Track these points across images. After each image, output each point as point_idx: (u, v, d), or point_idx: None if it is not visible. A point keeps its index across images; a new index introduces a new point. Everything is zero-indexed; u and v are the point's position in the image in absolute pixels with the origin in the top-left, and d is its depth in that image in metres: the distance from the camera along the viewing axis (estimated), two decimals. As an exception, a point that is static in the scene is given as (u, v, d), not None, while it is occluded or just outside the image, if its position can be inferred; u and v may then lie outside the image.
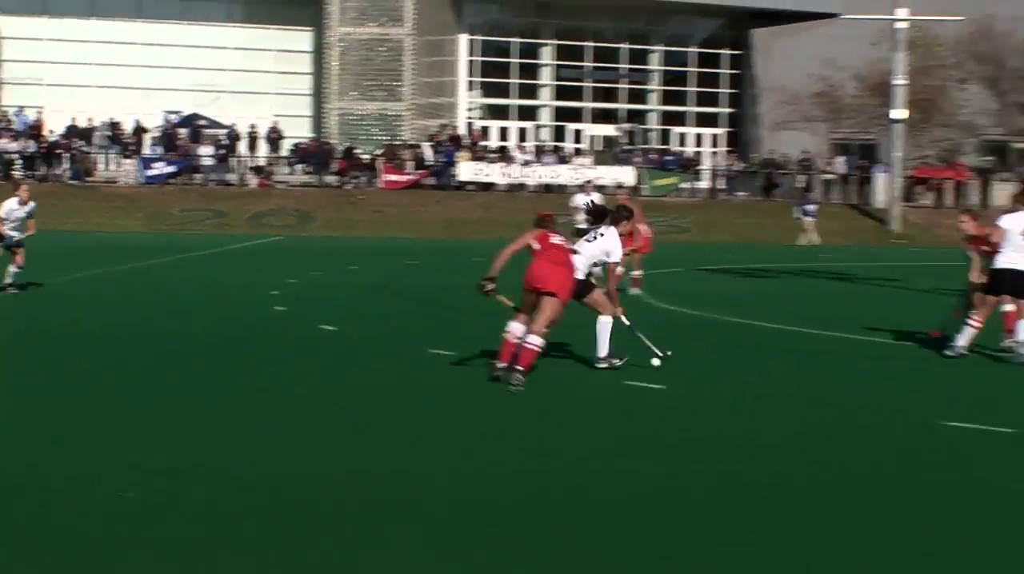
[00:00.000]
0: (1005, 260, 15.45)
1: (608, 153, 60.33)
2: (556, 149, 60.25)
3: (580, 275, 14.29)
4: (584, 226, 28.24)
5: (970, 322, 15.65)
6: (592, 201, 27.45)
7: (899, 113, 49.60)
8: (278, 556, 7.34)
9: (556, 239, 13.77)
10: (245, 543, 7.58)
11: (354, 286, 25.39)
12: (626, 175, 53.49)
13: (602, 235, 14.65)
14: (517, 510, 8.43)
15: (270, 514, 8.17)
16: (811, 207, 48.46)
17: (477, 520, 8.16)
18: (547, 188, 53.50)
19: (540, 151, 58.58)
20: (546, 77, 68.25)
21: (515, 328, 13.55)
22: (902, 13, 48.85)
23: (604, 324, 14.36)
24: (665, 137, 68.65)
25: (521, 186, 53.95)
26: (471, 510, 8.41)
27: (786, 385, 13.97)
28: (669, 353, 14.65)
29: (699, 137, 69.61)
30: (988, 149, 64.62)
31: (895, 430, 11.42)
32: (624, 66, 69.20)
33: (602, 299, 14.48)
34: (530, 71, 68.05)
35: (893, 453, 10.47)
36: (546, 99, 68.20)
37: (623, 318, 14.67)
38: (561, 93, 68.13)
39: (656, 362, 14.52)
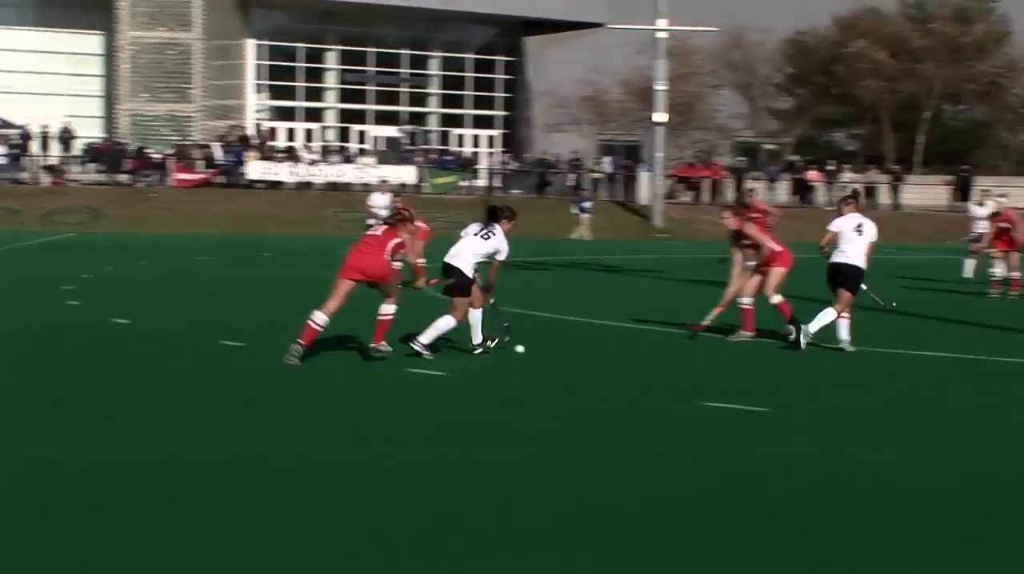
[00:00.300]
0: (840, 255, 15.71)
1: (391, 153, 60.16)
2: (341, 149, 59.89)
3: (470, 272, 14.44)
4: (374, 223, 28.15)
5: (840, 317, 15.73)
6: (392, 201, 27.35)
7: (660, 116, 50.37)
8: (68, 542, 7.06)
9: (372, 231, 14.16)
10: (28, 532, 7.27)
11: (146, 281, 24.78)
12: (408, 174, 53.44)
13: (493, 234, 14.65)
14: (332, 496, 8.27)
15: (56, 502, 7.87)
16: (587, 204, 48.93)
17: (295, 506, 7.98)
18: (333, 186, 53.13)
19: (326, 151, 58.22)
20: (331, 81, 67.85)
21: (318, 317, 13.48)
22: (662, 24, 49.65)
23: (446, 324, 14.30)
24: (444, 138, 68.81)
25: (308, 184, 53.50)
26: (289, 496, 8.22)
27: (563, 372, 14.03)
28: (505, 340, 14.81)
29: (476, 138, 69.92)
30: (741, 150, 66.26)
31: (663, 412, 11.55)
32: (405, 71, 69.16)
33: (463, 307, 14.40)
34: (316, 75, 67.60)
35: (664, 434, 10.58)
36: (331, 102, 67.81)
37: (490, 299, 14.83)
38: (345, 96, 67.79)
39: (520, 348, 14.69)
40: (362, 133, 66.71)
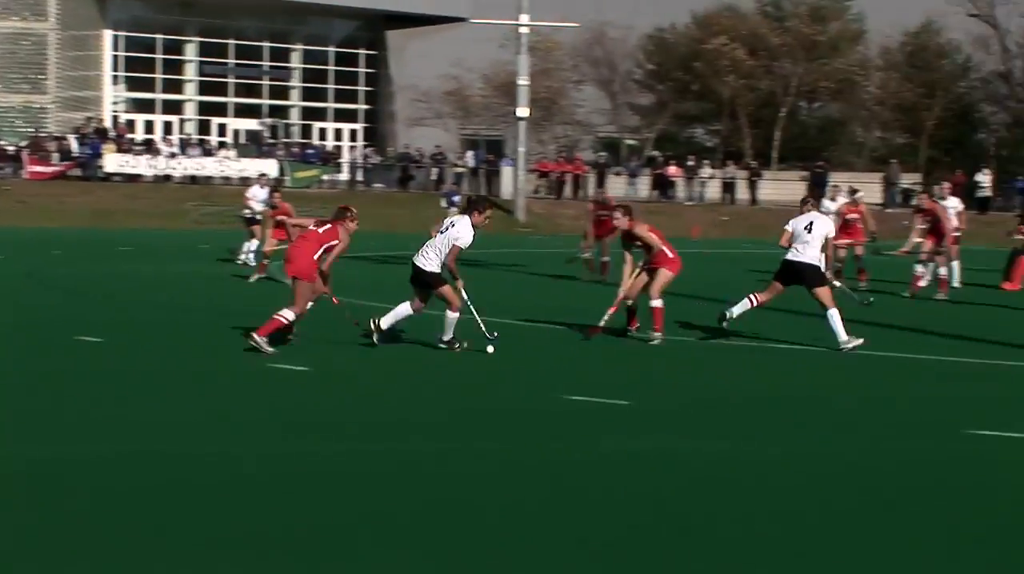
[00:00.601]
0: (793, 254, 15.93)
1: (251, 146, 59.57)
2: (201, 142, 59.18)
3: (433, 268, 14.49)
4: (249, 215, 27.77)
5: (751, 297, 15.96)
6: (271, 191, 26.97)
7: (523, 111, 50.54)
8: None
9: (320, 228, 14.44)
10: None
11: (0, 275, 24.24)
12: (269, 167, 52.91)
13: (453, 225, 14.69)
14: (213, 492, 8.17)
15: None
16: (456, 198, 48.87)
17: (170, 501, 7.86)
18: (192, 180, 52.49)
19: (185, 144, 57.47)
20: (190, 73, 66.96)
21: (285, 313, 13.99)
22: (525, 19, 49.81)
23: (452, 317, 14.49)
24: (307, 131, 68.31)
25: (167, 177, 52.79)
26: (155, 492, 8.10)
27: (426, 367, 14.04)
28: (495, 334, 14.71)
29: (338, 132, 69.55)
30: (603, 145, 66.75)
31: (528, 408, 11.63)
32: (266, 64, 68.54)
33: (450, 293, 14.48)
34: (175, 67, 66.63)
35: (528, 428, 10.65)
36: (191, 94, 66.92)
37: (463, 291, 14.71)
38: (205, 89, 66.97)
39: (491, 349, 14.58)
40: (222, 126, 65.94)
